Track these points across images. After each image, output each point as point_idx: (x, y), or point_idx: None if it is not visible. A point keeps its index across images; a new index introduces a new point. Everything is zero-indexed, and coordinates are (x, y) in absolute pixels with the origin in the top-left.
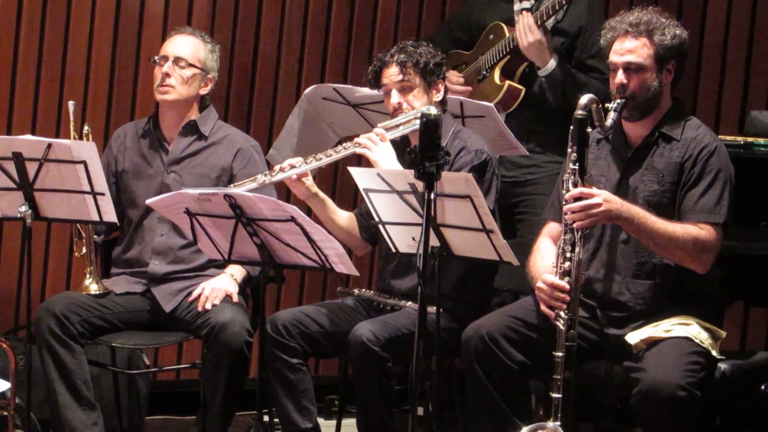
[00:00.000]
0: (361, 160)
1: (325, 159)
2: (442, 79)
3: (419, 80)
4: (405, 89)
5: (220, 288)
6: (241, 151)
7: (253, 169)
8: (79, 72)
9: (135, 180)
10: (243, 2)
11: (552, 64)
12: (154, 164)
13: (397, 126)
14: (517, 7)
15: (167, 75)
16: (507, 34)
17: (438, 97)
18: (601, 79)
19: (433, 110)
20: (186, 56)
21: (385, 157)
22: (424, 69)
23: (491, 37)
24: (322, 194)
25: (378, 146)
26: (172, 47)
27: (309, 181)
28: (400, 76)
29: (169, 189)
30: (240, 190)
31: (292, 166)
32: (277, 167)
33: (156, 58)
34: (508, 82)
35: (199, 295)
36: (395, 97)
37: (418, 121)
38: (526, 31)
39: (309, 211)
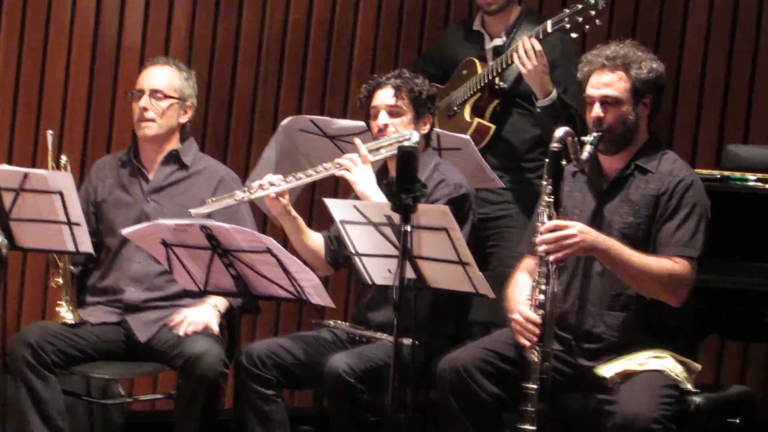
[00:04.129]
0: (338, 182)
1: (305, 178)
2: (431, 113)
3: (410, 108)
4: (394, 113)
5: (200, 318)
6: (223, 180)
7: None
8: (56, 102)
9: (114, 209)
10: (220, 34)
11: (554, 95)
12: (134, 193)
13: (379, 149)
14: (488, 45)
15: (145, 109)
16: (479, 71)
17: (425, 130)
18: (575, 114)
19: (415, 136)
20: (162, 88)
21: (364, 179)
22: (417, 98)
23: (464, 72)
24: (294, 213)
25: (358, 168)
26: (147, 80)
27: (286, 199)
28: (393, 100)
29: (149, 217)
30: (218, 205)
31: (272, 184)
32: (255, 184)
33: (132, 92)
34: (477, 120)
35: (181, 322)
36: (383, 118)
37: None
38: (527, 57)
39: (285, 242)
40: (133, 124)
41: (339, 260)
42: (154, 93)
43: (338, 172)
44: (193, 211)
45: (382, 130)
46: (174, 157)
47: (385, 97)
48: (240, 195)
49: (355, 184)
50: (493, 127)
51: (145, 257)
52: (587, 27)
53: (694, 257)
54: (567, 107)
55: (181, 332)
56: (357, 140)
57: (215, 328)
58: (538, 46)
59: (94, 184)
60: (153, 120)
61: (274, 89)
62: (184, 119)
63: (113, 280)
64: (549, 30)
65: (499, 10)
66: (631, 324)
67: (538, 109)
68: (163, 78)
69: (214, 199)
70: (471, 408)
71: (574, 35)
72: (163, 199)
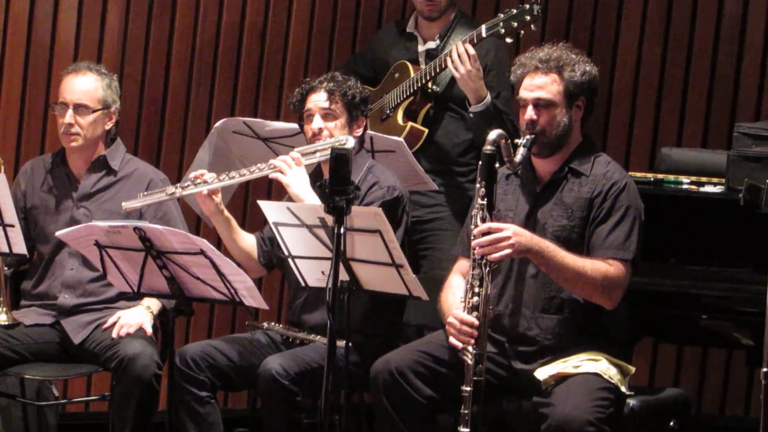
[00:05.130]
0: (272, 185)
1: (238, 178)
2: (365, 116)
3: (344, 112)
4: (328, 117)
5: (134, 320)
6: (153, 182)
7: (162, 203)
8: None
9: (45, 215)
10: (154, 35)
11: (488, 100)
12: (64, 200)
13: (314, 152)
14: (421, 48)
15: (70, 125)
16: (412, 74)
17: (359, 132)
18: (507, 120)
19: (351, 141)
20: (85, 101)
21: (297, 182)
22: (351, 102)
23: (396, 75)
24: (227, 213)
25: (292, 170)
26: (71, 93)
27: (218, 198)
28: (327, 103)
29: (79, 224)
30: (150, 199)
31: (205, 181)
32: (190, 175)
33: (55, 105)
34: (410, 124)
35: (114, 323)
36: (317, 122)
37: None
38: (461, 61)
39: (218, 244)
40: (59, 136)
41: (272, 261)
42: (78, 108)
43: (272, 174)
44: (124, 204)
45: (317, 135)
46: (102, 163)
47: (318, 101)
48: (172, 190)
49: (288, 187)
50: (426, 131)
51: (78, 264)
52: (522, 32)
53: (628, 260)
54: (500, 113)
55: (114, 334)
56: (296, 150)
57: (149, 330)
58: (472, 51)
59: (23, 189)
60: (78, 134)
61: (208, 91)
62: (109, 125)
63: (47, 286)
64: (483, 35)
65: (440, 16)
66: (565, 327)
67: (471, 115)
68: (86, 90)
69: (146, 192)
70: (405, 410)
71: (508, 40)
72: (92, 206)
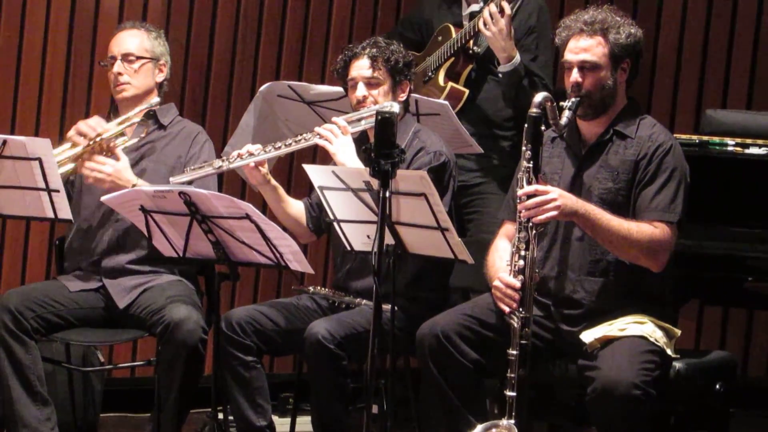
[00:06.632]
0: (317, 151)
1: (284, 148)
2: (408, 80)
3: (388, 77)
4: (372, 84)
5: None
6: (198, 137)
7: (204, 156)
8: (34, 70)
9: None
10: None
11: (517, 59)
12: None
13: (359, 120)
14: (465, 11)
15: (119, 74)
16: (454, 36)
17: (403, 97)
18: (540, 84)
19: (396, 107)
20: (132, 50)
21: (344, 150)
22: (394, 67)
23: (440, 38)
24: (274, 182)
25: (338, 139)
26: (117, 46)
27: (265, 168)
28: (370, 71)
29: None
30: (197, 174)
31: (251, 153)
32: (234, 153)
33: (105, 61)
34: (450, 84)
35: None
36: (361, 90)
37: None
38: (493, 20)
39: (264, 208)
40: (111, 91)
41: (321, 227)
42: (125, 57)
43: (319, 142)
44: (172, 179)
45: (362, 102)
46: (152, 116)
47: (361, 68)
48: (219, 164)
49: (335, 155)
50: (466, 91)
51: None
52: None
53: (674, 222)
54: (531, 75)
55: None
56: (341, 118)
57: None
58: (508, 9)
59: None
60: (128, 83)
61: (252, 54)
62: (160, 78)
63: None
64: None
65: None
66: (611, 289)
67: (500, 75)
68: (133, 41)
69: (193, 167)
70: (451, 373)
71: None
72: (139, 158)
